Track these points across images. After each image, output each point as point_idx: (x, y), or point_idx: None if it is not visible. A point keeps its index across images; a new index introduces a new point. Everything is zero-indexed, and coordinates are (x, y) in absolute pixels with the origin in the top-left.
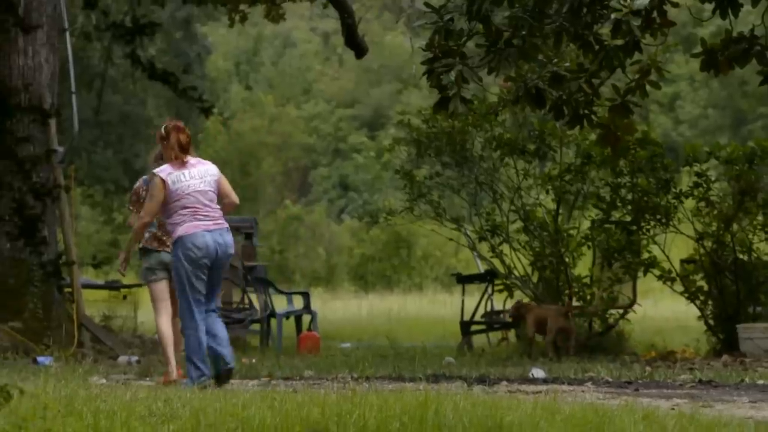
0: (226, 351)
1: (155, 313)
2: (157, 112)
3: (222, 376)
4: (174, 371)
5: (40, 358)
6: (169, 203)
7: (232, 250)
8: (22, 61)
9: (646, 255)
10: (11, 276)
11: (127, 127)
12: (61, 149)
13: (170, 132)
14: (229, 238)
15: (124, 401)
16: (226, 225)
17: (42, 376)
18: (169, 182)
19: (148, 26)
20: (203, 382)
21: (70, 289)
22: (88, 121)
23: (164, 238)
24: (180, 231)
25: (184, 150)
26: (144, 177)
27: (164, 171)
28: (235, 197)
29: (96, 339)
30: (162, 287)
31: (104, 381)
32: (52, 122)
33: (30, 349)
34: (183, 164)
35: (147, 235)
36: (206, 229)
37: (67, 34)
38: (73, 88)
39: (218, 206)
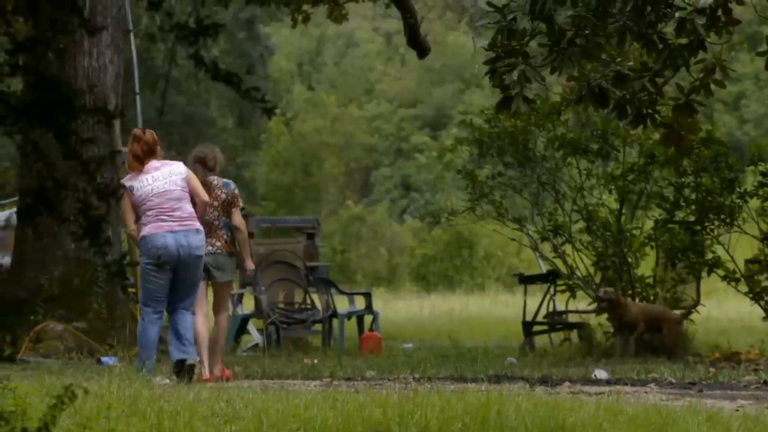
0: (186, 351)
1: None
2: (220, 113)
3: (180, 372)
4: (206, 370)
5: (104, 358)
6: (137, 208)
7: (198, 251)
8: (87, 62)
9: (710, 255)
10: (76, 276)
11: (191, 127)
12: (125, 150)
13: (134, 140)
14: (194, 239)
15: (187, 401)
16: (195, 226)
17: (106, 376)
18: (135, 189)
19: (211, 27)
20: (145, 371)
21: (133, 290)
22: (152, 121)
23: (210, 239)
24: (143, 231)
25: (139, 159)
26: (225, 180)
27: (127, 179)
28: (203, 195)
29: (159, 339)
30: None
31: (167, 381)
32: (117, 123)
33: (94, 350)
34: (146, 170)
35: None
36: (169, 230)
37: (132, 35)
38: (137, 89)
39: (189, 206)
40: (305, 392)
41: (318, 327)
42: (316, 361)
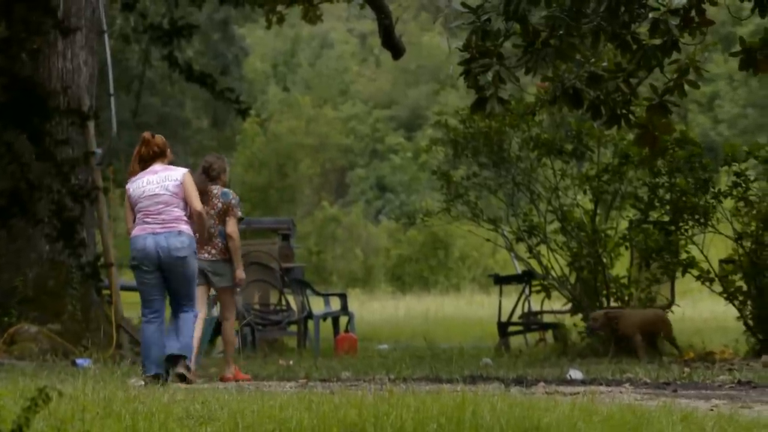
0: (180, 345)
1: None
2: (195, 114)
3: (174, 375)
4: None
5: (78, 360)
6: (133, 209)
7: (178, 252)
8: (61, 63)
9: (684, 255)
10: (50, 278)
11: (166, 128)
12: (99, 151)
13: (143, 143)
14: (175, 240)
15: (162, 403)
16: (178, 228)
17: (81, 378)
18: (131, 190)
19: (185, 28)
20: (146, 377)
21: (108, 291)
22: (127, 123)
23: (206, 246)
24: (132, 233)
25: (143, 161)
26: (224, 190)
27: (129, 181)
28: (196, 204)
29: (134, 341)
30: (198, 293)
31: (142, 383)
32: (91, 124)
33: (69, 351)
34: (147, 172)
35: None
36: (152, 231)
37: (106, 36)
38: (111, 91)
39: (177, 210)
40: (281, 393)
41: (293, 328)
42: (291, 362)
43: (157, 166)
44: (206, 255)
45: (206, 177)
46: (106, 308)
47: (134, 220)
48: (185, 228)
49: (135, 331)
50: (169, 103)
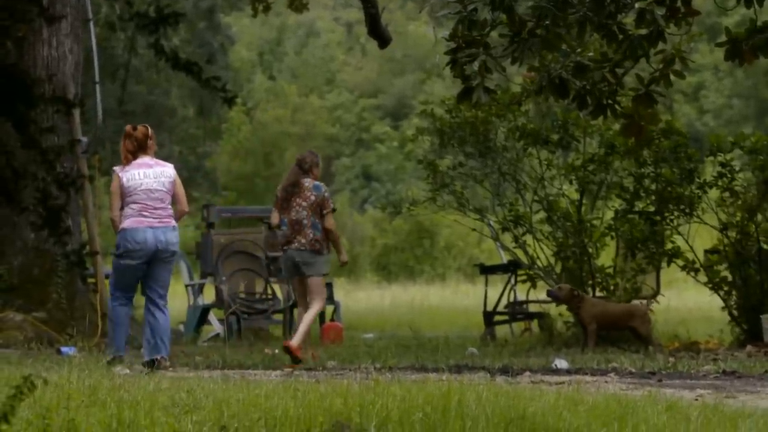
0: (160, 342)
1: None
2: (181, 102)
3: (151, 363)
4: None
5: (63, 349)
6: (124, 198)
7: (174, 247)
8: (46, 51)
9: (669, 245)
10: (35, 266)
11: (151, 117)
12: (84, 139)
13: (125, 136)
14: (171, 235)
15: (147, 391)
16: (173, 224)
17: (66, 366)
18: (124, 180)
19: (171, 16)
20: (113, 357)
21: (93, 280)
22: (112, 111)
23: (297, 236)
24: (125, 224)
25: (131, 153)
26: (316, 183)
27: (121, 169)
28: (184, 205)
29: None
30: (295, 284)
31: (127, 371)
32: (76, 112)
33: (54, 340)
34: (139, 164)
35: (279, 233)
36: (149, 225)
37: (91, 24)
38: (96, 79)
39: (169, 206)
40: (266, 382)
41: (279, 317)
42: (277, 351)
43: (148, 159)
44: (296, 245)
45: (300, 170)
46: (91, 296)
47: (121, 208)
48: (176, 224)
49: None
50: (154, 92)
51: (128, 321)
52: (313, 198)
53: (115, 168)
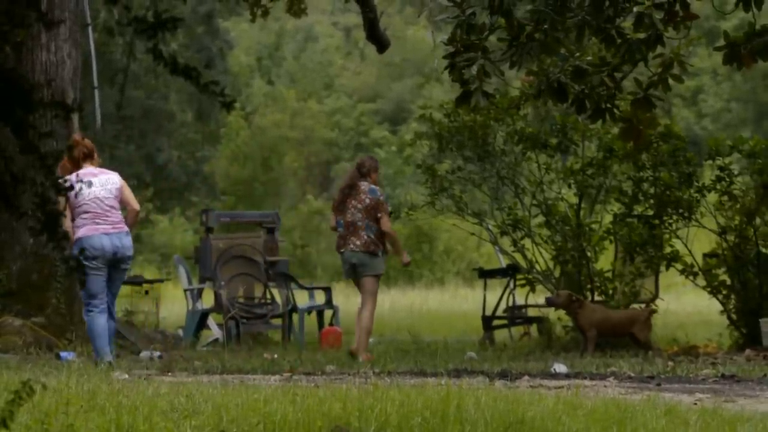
0: (109, 344)
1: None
2: (180, 107)
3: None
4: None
5: (62, 354)
6: (74, 208)
7: (129, 252)
8: (45, 56)
9: (668, 249)
10: (34, 271)
11: (150, 121)
12: None
13: (70, 148)
14: (126, 240)
15: (146, 396)
16: (126, 229)
17: (65, 371)
18: (72, 191)
19: (170, 21)
20: (101, 363)
21: None
22: (111, 116)
23: (352, 238)
24: (80, 233)
25: (75, 162)
26: (372, 187)
27: (69, 181)
28: (135, 204)
29: (118, 334)
30: (356, 284)
31: (126, 376)
32: (75, 117)
33: (53, 344)
34: (85, 174)
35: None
36: (104, 232)
37: (90, 29)
38: (95, 83)
39: (119, 212)
40: (265, 387)
41: (278, 322)
42: (276, 355)
43: (92, 168)
44: (352, 246)
45: (358, 173)
46: None
47: (72, 219)
48: (128, 229)
49: (120, 324)
50: (153, 96)
51: (107, 327)
52: (368, 201)
53: (66, 177)
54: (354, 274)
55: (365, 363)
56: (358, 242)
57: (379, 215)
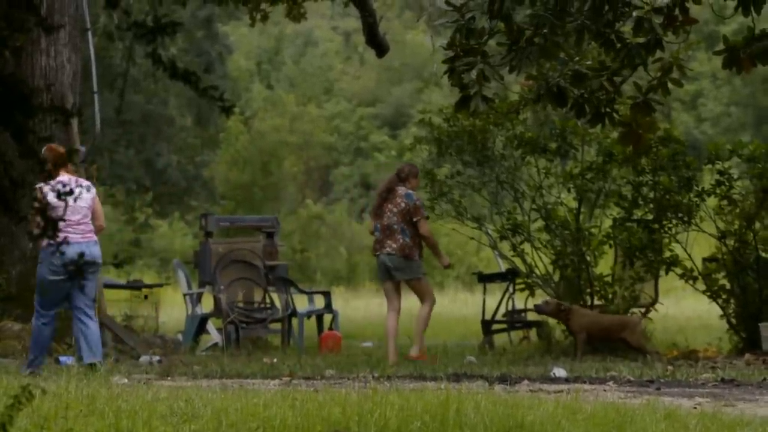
0: (95, 348)
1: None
2: (179, 112)
3: (91, 366)
4: (391, 356)
5: (62, 358)
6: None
7: (99, 260)
8: (45, 61)
9: (667, 253)
10: (33, 275)
11: (149, 126)
12: (83, 149)
13: (46, 155)
14: (95, 249)
15: (145, 401)
16: (95, 238)
17: (64, 375)
18: (49, 197)
19: (169, 26)
20: (34, 370)
21: None
22: (110, 120)
23: (388, 241)
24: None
25: (50, 171)
26: (408, 192)
27: (44, 188)
28: (102, 221)
29: (118, 339)
30: (387, 287)
31: (126, 381)
32: (74, 122)
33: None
34: (56, 183)
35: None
36: (75, 241)
37: (89, 33)
38: (95, 88)
39: (90, 222)
40: (264, 391)
41: (277, 326)
42: (275, 360)
43: (67, 178)
44: (388, 250)
45: (397, 178)
46: None
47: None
48: (96, 238)
49: (119, 328)
50: (152, 101)
51: (50, 340)
52: (403, 205)
53: (39, 185)
54: (389, 276)
55: (419, 360)
56: (394, 245)
57: (415, 219)
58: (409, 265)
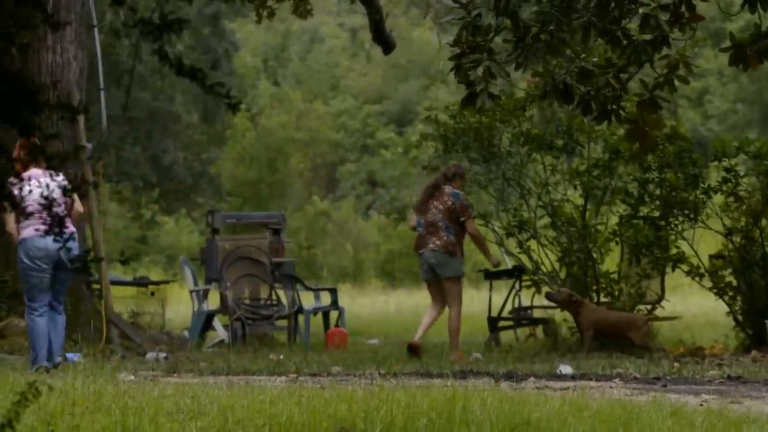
0: (53, 360)
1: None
2: (185, 109)
3: (54, 366)
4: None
5: (68, 355)
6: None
7: (75, 251)
8: (51, 58)
9: (674, 250)
10: None
11: (156, 123)
12: (89, 146)
13: (17, 149)
14: (71, 243)
15: (152, 398)
16: (71, 230)
17: (70, 372)
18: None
19: (175, 22)
20: (38, 367)
21: (98, 286)
22: (117, 117)
23: (432, 238)
24: (24, 234)
25: (23, 164)
26: (455, 191)
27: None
28: (78, 206)
29: (124, 335)
30: (431, 288)
31: (132, 377)
32: (81, 119)
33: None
34: (29, 176)
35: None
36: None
37: (96, 30)
38: (101, 85)
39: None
40: (271, 388)
41: (283, 323)
42: (281, 356)
43: (38, 171)
44: (432, 246)
45: (444, 177)
46: (96, 302)
47: (16, 221)
48: (74, 229)
49: (125, 325)
50: (159, 98)
51: (47, 331)
52: (449, 203)
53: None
54: (432, 274)
55: (457, 361)
56: (438, 242)
57: (462, 219)
58: (452, 262)
